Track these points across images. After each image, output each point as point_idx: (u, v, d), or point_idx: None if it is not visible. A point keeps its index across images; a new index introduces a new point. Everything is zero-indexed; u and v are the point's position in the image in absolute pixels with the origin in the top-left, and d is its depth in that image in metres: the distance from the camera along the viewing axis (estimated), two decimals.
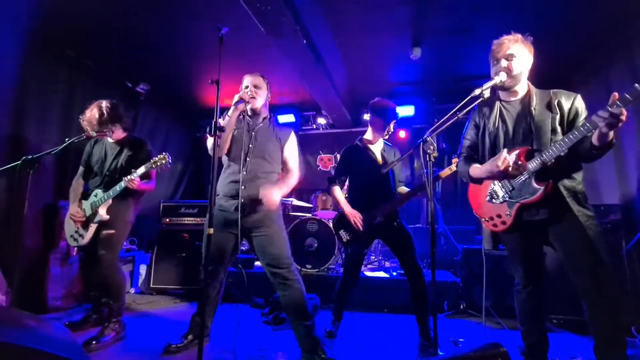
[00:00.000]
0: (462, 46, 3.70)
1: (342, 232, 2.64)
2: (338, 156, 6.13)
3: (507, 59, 1.76)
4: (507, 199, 1.79)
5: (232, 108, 2.13)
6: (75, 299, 3.37)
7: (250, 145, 2.23)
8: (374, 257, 4.45)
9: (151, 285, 3.77)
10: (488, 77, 1.87)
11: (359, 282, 2.81)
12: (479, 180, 1.92)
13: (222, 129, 1.68)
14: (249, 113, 2.33)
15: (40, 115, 3.39)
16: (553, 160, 1.64)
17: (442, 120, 1.81)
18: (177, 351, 2.27)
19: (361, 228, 2.51)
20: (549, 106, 1.74)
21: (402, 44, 3.64)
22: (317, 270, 3.74)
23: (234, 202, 2.15)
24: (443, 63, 4.13)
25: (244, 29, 3.18)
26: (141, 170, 2.44)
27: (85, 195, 2.67)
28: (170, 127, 5.38)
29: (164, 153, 2.45)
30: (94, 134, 2.57)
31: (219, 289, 2.32)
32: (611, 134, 1.49)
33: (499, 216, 1.83)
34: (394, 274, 3.75)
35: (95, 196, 2.57)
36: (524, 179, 1.72)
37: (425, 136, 1.75)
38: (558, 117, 1.71)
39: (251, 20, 2.75)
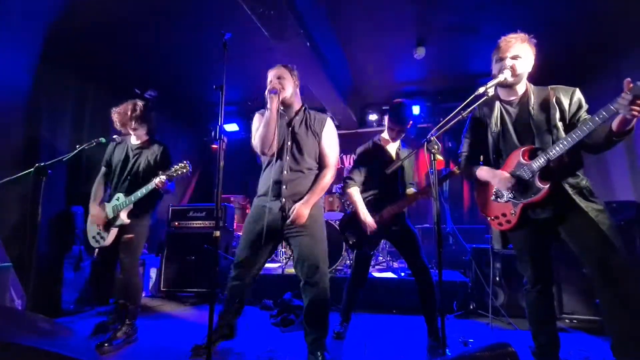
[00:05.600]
0: (466, 44, 3.68)
1: (348, 235, 2.63)
2: (344, 157, 6.13)
3: (513, 59, 1.76)
4: (511, 198, 1.79)
5: (267, 99, 2.04)
6: (88, 303, 3.44)
7: (289, 143, 2.14)
8: (382, 258, 4.43)
9: (161, 289, 3.82)
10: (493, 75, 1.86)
11: (368, 283, 2.80)
12: (485, 182, 1.92)
13: (222, 134, 1.65)
14: (281, 108, 2.17)
15: (52, 123, 3.48)
16: (557, 157, 1.63)
17: (447, 119, 1.80)
18: (204, 352, 2.15)
19: (370, 232, 2.48)
20: (547, 104, 1.74)
21: (406, 43, 3.64)
22: None
23: (276, 203, 2.09)
24: (448, 62, 4.12)
25: (248, 34, 3.21)
26: (163, 177, 2.46)
27: (106, 197, 2.70)
28: (178, 132, 5.46)
29: (184, 162, 2.47)
30: (103, 140, 2.63)
31: (244, 290, 2.21)
32: (633, 120, 1.47)
33: (504, 215, 1.82)
34: (402, 274, 3.73)
35: (117, 200, 2.58)
36: (527, 178, 1.71)
37: (429, 135, 1.74)
38: (557, 113, 1.71)
39: (255, 24, 2.78)
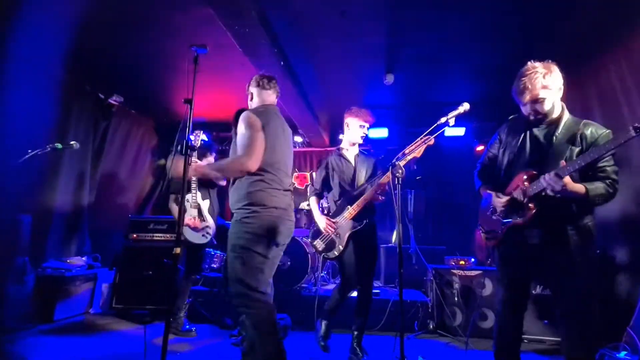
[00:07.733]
0: (432, 74, 3.90)
1: (317, 242, 2.64)
2: (314, 174, 6.18)
3: (534, 102, 1.69)
4: (501, 217, 1.84)
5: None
6: (29, 320, 3.14)
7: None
8: None
9: (113, 305, 3.58)
10: (457, 103, 1.92)
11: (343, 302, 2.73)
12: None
13: (193, 148, 1.62)
14: None
15: (8, 125, 3.24)
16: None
17: (411, 146, 1.90)
18: None
19: (331, 232, 2.55)
20: (574, 137, 1.68)
21: (376, 70, 3.79)
22: (289, 288, 3.70)
23: None
24: (415, 89, 4.32)
25: (222, 48, 3.21)
26: None
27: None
28: (142, 140, 5.26)
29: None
30: (59, 146, 2.51)
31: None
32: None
33: (494, 231, 1.88)
34: (377, 292, 3.66)
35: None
36: (520, 201, 1.73)
37: (393, 160, 1.82)
38: (578, 150, 1.66)
39: (229, 39, 2.79)
